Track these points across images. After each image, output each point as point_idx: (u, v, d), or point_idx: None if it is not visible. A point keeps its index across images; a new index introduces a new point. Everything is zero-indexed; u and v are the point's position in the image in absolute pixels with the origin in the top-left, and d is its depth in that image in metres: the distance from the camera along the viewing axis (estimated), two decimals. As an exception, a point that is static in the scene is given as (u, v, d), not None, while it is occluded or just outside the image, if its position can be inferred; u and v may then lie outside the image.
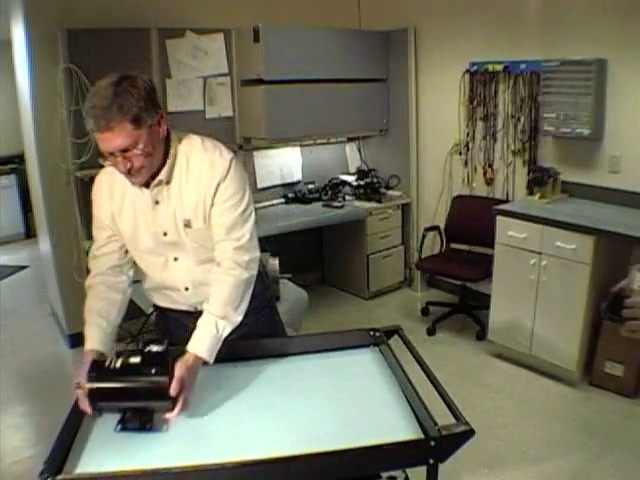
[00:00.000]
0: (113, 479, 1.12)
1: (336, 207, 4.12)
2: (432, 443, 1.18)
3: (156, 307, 1.81)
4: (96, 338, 1.47)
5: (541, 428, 2.71)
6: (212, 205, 1.53)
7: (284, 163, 4.36)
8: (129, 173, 1.42)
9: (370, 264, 4.27)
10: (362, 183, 4.36)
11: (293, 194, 4.33)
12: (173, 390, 1.28)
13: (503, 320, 3.29)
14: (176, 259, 1.60)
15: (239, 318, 1.52)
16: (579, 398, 2.95)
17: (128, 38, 3.43)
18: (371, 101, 4.32)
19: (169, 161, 1.50)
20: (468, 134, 3.95)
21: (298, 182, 4.43)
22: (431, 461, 1.19)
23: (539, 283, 3.06)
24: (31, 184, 4.14)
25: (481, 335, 3.60)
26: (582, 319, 2.92)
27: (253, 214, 1.60)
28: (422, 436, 1.21)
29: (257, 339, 1.68)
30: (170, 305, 1.72)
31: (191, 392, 1.34)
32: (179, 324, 1.69)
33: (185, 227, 1.54)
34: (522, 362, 3.26)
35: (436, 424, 1.21)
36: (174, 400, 1.28)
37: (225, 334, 1.47)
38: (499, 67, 3.61)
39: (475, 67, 3.76)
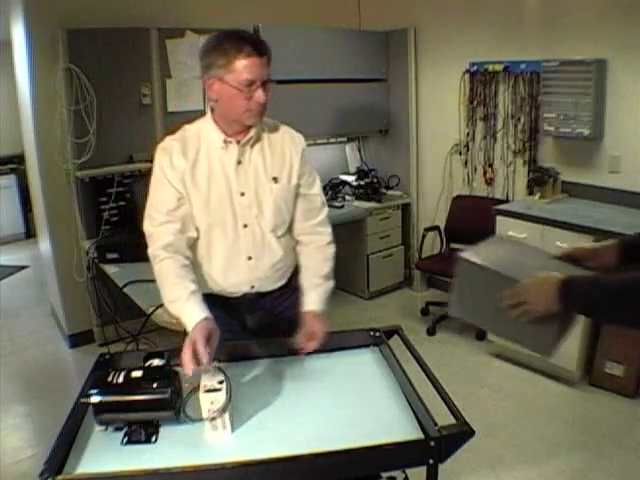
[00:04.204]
0: (113, 479, 1.12)
1: (336, 207, 4.12)
2: (432, 443, 1.18)
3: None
4: (200, 306, 1.42)
5: (541, 428, 2.71)
6: (299, 172, 1.64)
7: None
8: (263, 106, 1.49)
9: (370, 264, 4.27)
10: (362, 183, 4.36)
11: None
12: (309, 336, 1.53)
13: (503, 320, 3.29)
14: (245, 226, 1.59)
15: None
16: (579, 398, 2.95)
17: (128, 38, 3.43)
18: (371, 101, 4.32)
19: (259, 124, 1.59)
20: (468, 134, 3.95)
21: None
22: (431, 461, 1.19)
23: (539, 283, 3.05)
24: (31, 184, 4.14)
25: (481, 335, 3.60)
26: (582, 319, 2.91)
27: None
28: (422, 436, 1.21)
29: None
30: (224, 290, 1.64)
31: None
32: (225, 322, 1.56)
33: (273, 181, 1.60)
34: (522, 362, 3.26)
35: (436, 424, 1.21)
36: (178, 410, 1.29)
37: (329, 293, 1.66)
38: (499, 67, 3.61)
39: (475, 67, 3.76)
